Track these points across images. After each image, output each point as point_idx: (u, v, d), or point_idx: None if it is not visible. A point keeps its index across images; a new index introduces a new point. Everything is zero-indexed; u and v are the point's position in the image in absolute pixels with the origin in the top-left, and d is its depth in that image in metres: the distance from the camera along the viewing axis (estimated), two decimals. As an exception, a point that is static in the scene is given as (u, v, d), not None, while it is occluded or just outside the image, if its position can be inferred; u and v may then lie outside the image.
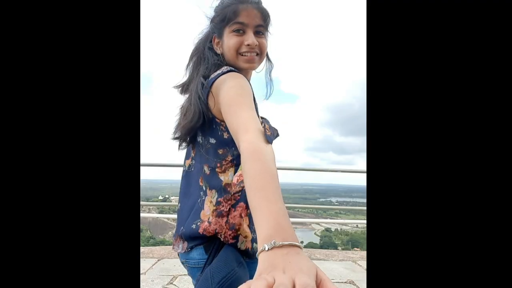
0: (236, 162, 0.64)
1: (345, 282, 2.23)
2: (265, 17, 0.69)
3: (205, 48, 0.71)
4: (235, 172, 0.63)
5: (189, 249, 0.63)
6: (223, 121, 0.61)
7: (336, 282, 2.23)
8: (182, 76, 0.73)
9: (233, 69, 0.66)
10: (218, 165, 0.65)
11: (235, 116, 0.56)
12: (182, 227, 0.65)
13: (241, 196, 0.63)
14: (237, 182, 0.62)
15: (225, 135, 0.63)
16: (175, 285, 2.06)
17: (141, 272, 2.24)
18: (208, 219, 0.62)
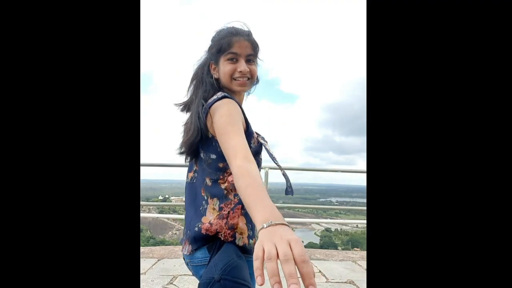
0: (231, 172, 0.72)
1: (345, 282, 2.23)
2: (254, 47, 0.80)
3: (204, 73, 0.81)
4: (231, 181, 0.73)
5: (194, 251, 0.72)
6: None
7: (336, 282, 2.23)
8: (184, 96, 0.85)
9: (226, 95, 0.76)
10: (221, 177, 0.75)
11: (226, 144, 0.67)
12: (188, 231, 0.75)
13: (238, 200, 0.72)
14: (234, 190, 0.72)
15: None
16: (175, 285, 2.06)
17: (141, 272, 2.24)
18: (209, 221, 0.72)
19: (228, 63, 0.77)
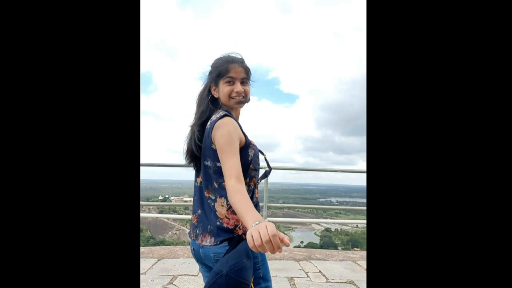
0: None
1: (345, 282, 2.23)
2: (247, 72, 0.96)
3: (203, 96, 0.98)
4: None
5: (219, 243, 0.85)
6: None
7: (336, 282, 2.24)
8: (193, 114, 1.00)
9: (227, 113, 0.90)
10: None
11: (223, 163, 0.82)
12: (209, 226, 0.87)
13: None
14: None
15: None
16: (175, 285, 2.06)
17: (141, 272, 2.24)
18: (225, 216, 0.86)
19: (227, 85, 0.93)
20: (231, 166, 0.80)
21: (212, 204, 0.88)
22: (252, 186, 0.90)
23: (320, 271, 2.50)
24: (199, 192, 0.95)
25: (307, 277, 2.35)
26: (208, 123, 0.92)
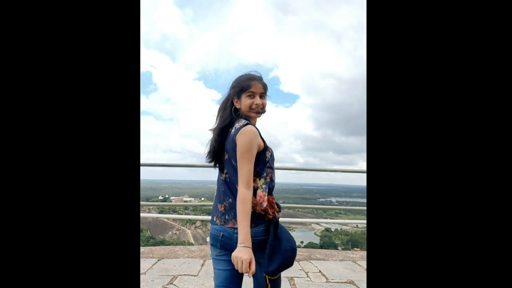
0: (258, 174, 1.05)
1: (345, 282, 2.23)
2: (265, 87, 1.15)
3: (227, 105, 1.15)
4: (259, 179, 1.06)
5: (254, 225, 1.00)
6: None
7: (336, 282, 2.23)
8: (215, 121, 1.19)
9: (249, 122, 1.08)
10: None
11: (239, 167, 1.00)
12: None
13: (266, 192, 1.06)
14: (259, 183, 1.06)
15: None
16: (175, 285, 2.06)
17: (141, 272, 2.24)
18: (256, 204, 1.04)
19: (248, 98, 1.11)
20: (244, 172, 0.99)
21: None
22: (268, 179, 1.09)
23: (320, 271, 2.50)
24: (226, 185, 1.09)
25: (307, 277, 2.35)
26: (233, 129, 1.08)
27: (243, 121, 1.08)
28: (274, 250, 1.00)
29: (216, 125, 1.15)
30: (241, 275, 1.05)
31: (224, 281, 1.04)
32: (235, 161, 1.03)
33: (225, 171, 1.10)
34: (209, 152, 1.13)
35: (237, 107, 1.14)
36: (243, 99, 1.12)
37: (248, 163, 0.99)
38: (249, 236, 0.92)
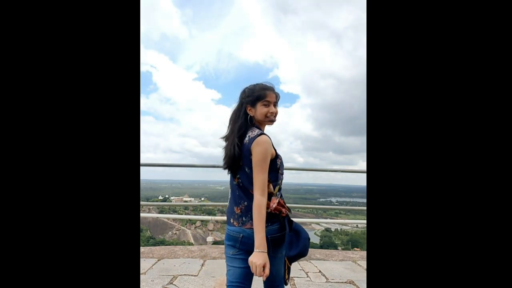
0: (271, 180, 1.12)
1: (345, 282, 2.23)
2: (277, 97, 1.23)
3: (241, 113, 1.21)
4: (273, 186, 1.13)
5: (270, 224, 1.10)
6: None
7: (336, 282, 2.23)
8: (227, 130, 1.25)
9: (262, 132, 1.15)
10: None
11: (255, 175, 1.08)
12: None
13: (279, 196, 1.15)
14: (274, 190, 1.14)
15: None
16: (175, 285, 2.06)
17: (141, 272, 2.24)
18: (269, 206, 1.12)
19: (264, 107, 1.18)
20: (260, 180, 1.07)
21: None
22: (279, 182, 1.19)
23: (320, 271, 2.50)
24: (240, 189, 1.16)
25: (307, 277, 2.35)
26: (247, 138, 1.14)
27: (256, 131, 1.15)
28: (293, 239, 1.12)
29: (231, 133, 1.20)
30: (251, 272, 1.14)
31: (239, 277, 1.13)
32: (249, 168, 1.11)
33: (238, 176, 1.17)
34: (227, 159, 1.18)
35: (251, 115, 1.21)
36: (259, 107, 1.19)
37: (263, 171, 1.08)
38: (264, 241, 1.01)
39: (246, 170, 1.13)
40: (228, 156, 1.17)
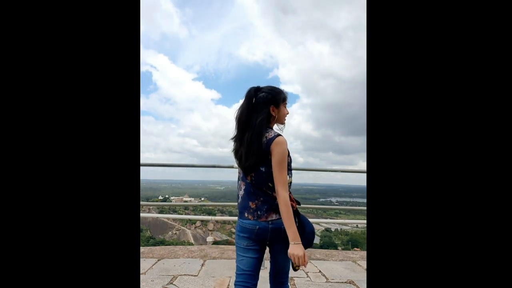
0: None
1: (345, 282, 2.23)
2: None
3: (265, 113, 1.23)
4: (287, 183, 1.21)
5: (279, 217, 1.17)
6: None
7: (336, 282, 2.23)
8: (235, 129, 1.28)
9: (279, 133, 1.21)
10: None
11: (278, 173, 1.14)
12: (272, 208, 1.19)
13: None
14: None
15: None
16: (175, 285, 2.06)
17: (141, 272, 2.24)
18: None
19: (285, 108, 1.28)
20: (283, 178, 1.15)
21: (272, 194, 1.20)
22: (289, 179, 1.25)
23: (320, 271, 2.50)
24: (253, 187, 1.22)
25: (307, 277, 2.35)
26: (264, 139, 1.18)
27: (273, 132, 1.21)
28: (299, 232, 1.18)
29: (250, 133, 1.21)
30: (261, 262, 1.25)
31: (252, 267, 1.22)
32: (266, 167, 1.18)
33: (251, 175, 1.22)
34: (244, 157, 1.21)
35: (273, 115, 1.25)
36: (282, 108, 1.27)
37: (284, 170, 1.16)
38: (297, 234, 1.10)
39: (262, 169, 1.18)
40: (246, 154, 1.19)
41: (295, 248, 1.08)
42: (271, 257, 1.27)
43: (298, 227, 1.18)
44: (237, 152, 1.24)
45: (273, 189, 1.19)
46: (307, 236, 1.20)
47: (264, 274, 1.35)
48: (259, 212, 1.20)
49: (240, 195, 1.26)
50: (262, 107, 1.22)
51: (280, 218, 1.15)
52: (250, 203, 1.22)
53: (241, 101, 1.26)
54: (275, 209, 1.19)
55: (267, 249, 1.27)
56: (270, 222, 1.19)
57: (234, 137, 1.25)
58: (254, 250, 1.22)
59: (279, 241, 1.18)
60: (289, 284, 1.32)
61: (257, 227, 1.20)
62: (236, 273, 1.24)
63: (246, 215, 1.22)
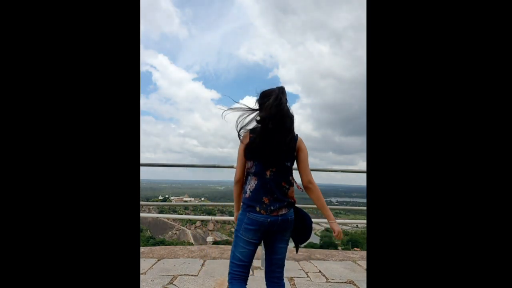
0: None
1: (345, 282, 2.23)
2: None
3: (288, 112, 1.31)
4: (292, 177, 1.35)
5: (290, 211, 1.30)
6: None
7: (336, 282, 2.23)
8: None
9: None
10: (291, 176, 1.33)
11: (307, 168, 1.31)
12: (285, 203, 1.28)
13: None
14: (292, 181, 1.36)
15: None
16: (175, 285, 2.05)
17: (141, 272, 2.24)
18: (292, 197, 1.32)
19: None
20: (309, 169, 1.32)
21: (286, 190, 1.31)
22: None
23: (320, 271, 2.50)
24: (271, 182, 1.29)
25: (307, 277, 2.35)
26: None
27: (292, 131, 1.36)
28: (302, 225, 1.34)
29: (286, 127, 1.29)
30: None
31: (249, 258, 1.29)
32: (291, 162, 1.30)
33: (271, 168, 1.28)
34: (275, 150, 1.27)
35: (292, 116, 1.37)
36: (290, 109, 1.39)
37: (308, 162, 1.33)
38: (330, 212, 1.32)
39: (287, 163, 1.29)
40: (277, 147, 1.26)
41: (337, 225, 1.30)
42: (268, 249, 1.33)
43: (299, 221, 1.31)
44: (260, 145, 1.25)
45: (290, 183, 1.30)
46: (309, 228, 1.35)
47: (263, 275, 1.37)
48: (271, 208, 1.27)
49: (249, 189, 1.30)
50: (284, 106, 1.28)
51: (289, 211, 1.29)
52: (264, 198, 1.27)
53: (273, 96, 1.26)
54: (286, 206, 1.29)
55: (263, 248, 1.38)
56: (280, 215, 1.28)
57: (257, 129, 1.28)
58: (255, 243, 1.29)
59: (281, 231, 1.29)
60: (284, 280, 1.36)
61: (268, 220, 1.27)
62: (235, 263, 1.29)
63: (257, 209, 1.27)
